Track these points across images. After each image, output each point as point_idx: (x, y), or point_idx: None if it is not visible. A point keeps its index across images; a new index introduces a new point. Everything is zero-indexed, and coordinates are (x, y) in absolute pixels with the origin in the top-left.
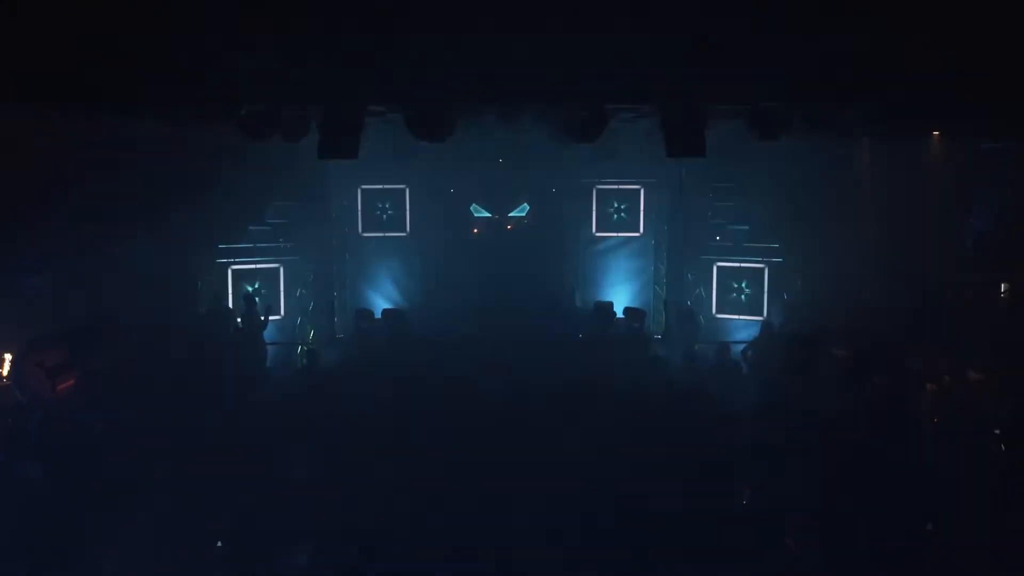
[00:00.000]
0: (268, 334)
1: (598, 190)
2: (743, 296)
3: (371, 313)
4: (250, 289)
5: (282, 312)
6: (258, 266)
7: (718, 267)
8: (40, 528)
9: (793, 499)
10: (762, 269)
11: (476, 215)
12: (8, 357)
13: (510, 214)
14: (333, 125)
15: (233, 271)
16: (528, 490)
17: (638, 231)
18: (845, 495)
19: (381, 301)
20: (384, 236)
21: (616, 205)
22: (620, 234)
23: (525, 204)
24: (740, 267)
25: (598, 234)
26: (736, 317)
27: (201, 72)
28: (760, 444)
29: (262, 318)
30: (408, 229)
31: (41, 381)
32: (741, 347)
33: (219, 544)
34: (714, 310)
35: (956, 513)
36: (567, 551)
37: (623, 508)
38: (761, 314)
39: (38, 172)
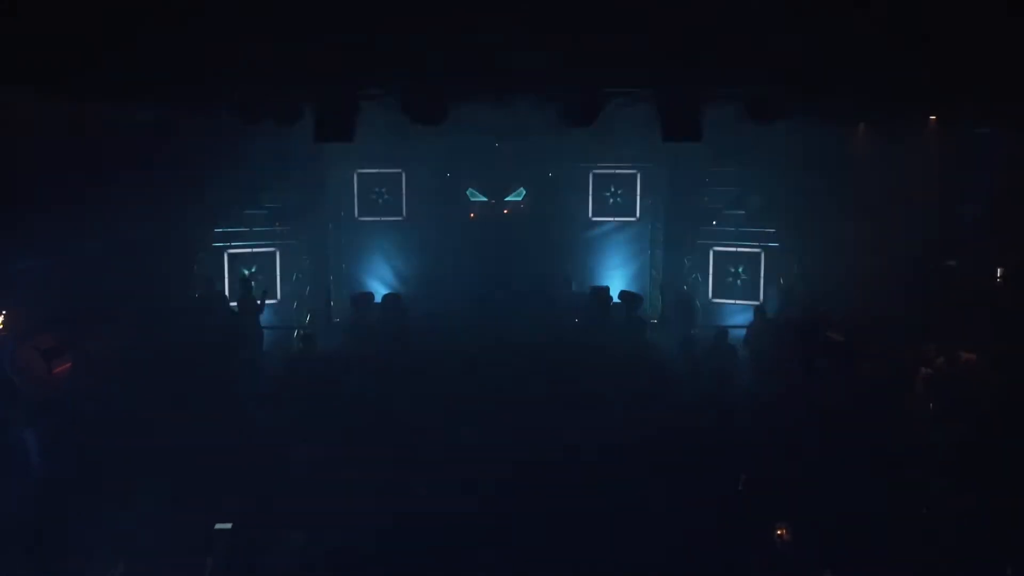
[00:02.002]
0: (264, 318)
1: (594, 174)
2: (739, 281)
3: (369, 297)
4: (246, 273)
5: (278, 296)
6: (254, 250)
7: (715, 252)
8: (34, 513)
9: (787, 484)
10: (758, 254)
11: (472, 199)
12: None
13: (507, 199)
14: (329, 109)
15: (229, 255)
16: (524, 473)
17: (634, 216)
18: (840, 480)
19: (377, 285)
20: (380, 220)
21: (612, 189)
22: (616, 219)
23: (522, 189)
24: (737, 252)
25: (594, 219)
26: (733, 302)
27: (195, 57)
28: (755, 429)
29: (258, 302)
30: (404, 213)
31: (37, 364)
32: (737, 332)
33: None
34: (711, 295)
35: (949, 497)
36: (559, 533)
37: (615, 492)
38: (758, 299)
39: (31, 157)
